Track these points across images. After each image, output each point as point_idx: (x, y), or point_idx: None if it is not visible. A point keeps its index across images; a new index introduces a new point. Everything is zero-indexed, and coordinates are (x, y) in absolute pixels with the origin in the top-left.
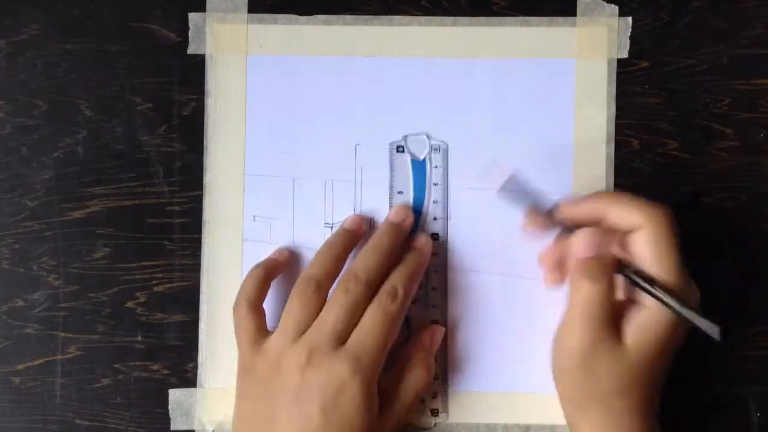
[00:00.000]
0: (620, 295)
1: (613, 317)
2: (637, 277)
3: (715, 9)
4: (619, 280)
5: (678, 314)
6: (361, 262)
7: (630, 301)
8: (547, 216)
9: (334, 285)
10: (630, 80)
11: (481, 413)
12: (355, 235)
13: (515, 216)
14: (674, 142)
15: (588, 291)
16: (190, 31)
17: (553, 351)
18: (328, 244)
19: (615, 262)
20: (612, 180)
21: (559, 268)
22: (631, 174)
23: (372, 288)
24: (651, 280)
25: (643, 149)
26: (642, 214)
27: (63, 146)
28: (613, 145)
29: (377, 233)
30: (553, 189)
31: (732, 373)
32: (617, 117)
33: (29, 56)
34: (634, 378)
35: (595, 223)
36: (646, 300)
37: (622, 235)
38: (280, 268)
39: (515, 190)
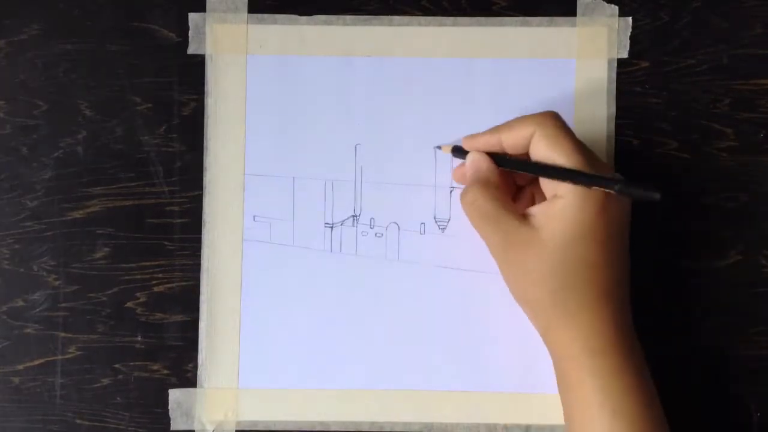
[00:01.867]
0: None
1: (517, 214)
2: (522, 166)
3: (715, 9)
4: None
5: (582, 183)
6: None
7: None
8: (458, 153)
9: None
10: (630, 80)
11: (481, 413)
12: None
13: None
14: (674, 142)
15: (470, 197)
16: (190, 31)
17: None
18: None
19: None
20: None
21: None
22: (631, 174)
23: None
24: (547, 167)
25: (643, 149)
26: (527, 123)
27: (63, 146)
28: (613, 145)
29: None
30: None
31: (732, 373)
32: (617, 117)
33: (29, 56)
34: (568, 268)
35: (502, 154)
36: (558, 192)
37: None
38: None
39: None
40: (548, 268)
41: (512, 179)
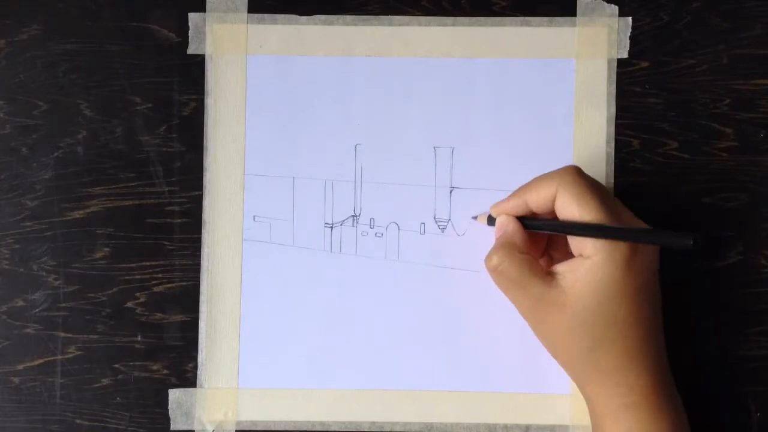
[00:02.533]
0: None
1: (542, 277)
2: (549, 226)
3: (715, 9)
4: (558, 250)
5: (611, 238)
6: None
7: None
8: (493, 222)
9: None
10: (630, 80)
11: (481, 413)
12: None
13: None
14: (674, 142)
15: (496, 261)
16: (190, 31)
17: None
18: None
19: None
20: (612, 180)
21: None
22: (631, 174)
23: None
24: (572, 225)
25: (643, 149)
26: (550, 181)
27: (63, 146)
28: (613, 145)
29: None
30: None
31: (732, 373)
32: (617, 117)
33: (29, 56)
34: (599, 328)
35: (530, 215)
36: (585, 252)
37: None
38: None
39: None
40: (579, 328)
41: (539, 238)
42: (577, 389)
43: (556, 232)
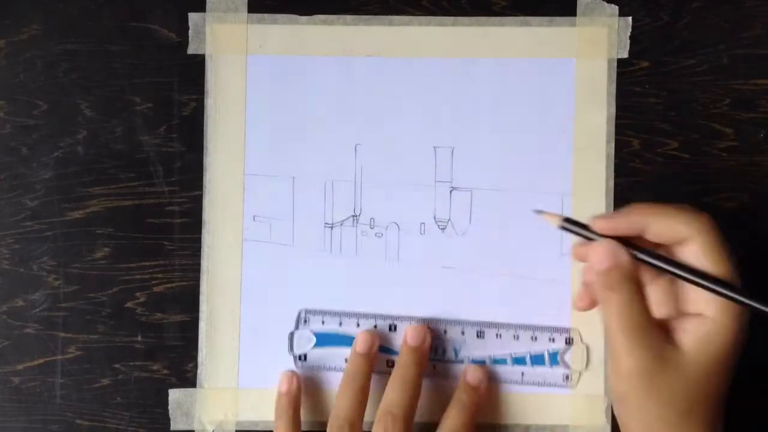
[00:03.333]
0: (663, 307)
1: (659, 327)
2: (686, 273)
3: (715, 9)
4: (659, 291)
5: (742, 303)
6: (393, 397)
7: (687, 314)
8: (583, 231)
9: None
10: (630, 80)
11: (482, 413)
12: (370, 356)
13: (516, 216)
14: (674, 142)
15: (616, 301)
16: (190, 31)
17: (611, 377)
18: (347, 377)
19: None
20: (612, 180)
21: (585, 289)
22: (631, 174)
23: (409, 422)
24: (704, 275)
25: (643, 149)
26: (688, 225)
27: (63, 146)
28: (613, 145)
29: (400, 362)
30: (553, 189)
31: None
32: (617, 117)
33: (29, 56)
34: (702, 394)
35: (635, 238)
36: (707, 310)
37: (666, 248)
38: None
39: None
40: (683, 391)
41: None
42: (577, 390)
43: (683, 276)
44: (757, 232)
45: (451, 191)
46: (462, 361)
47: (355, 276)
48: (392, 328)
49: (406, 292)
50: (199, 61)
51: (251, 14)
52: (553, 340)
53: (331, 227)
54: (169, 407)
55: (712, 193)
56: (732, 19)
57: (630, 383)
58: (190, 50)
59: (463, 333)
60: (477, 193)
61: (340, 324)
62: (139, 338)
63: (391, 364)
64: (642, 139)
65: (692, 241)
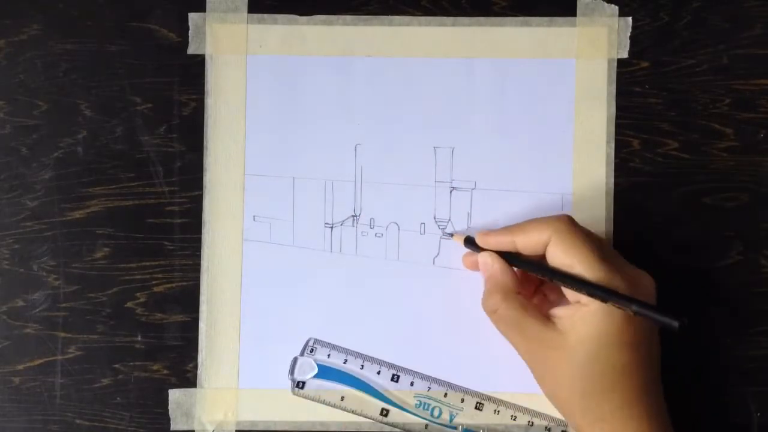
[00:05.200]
0: (556, 302)
1: (541, 318)
2: (538, 270)
3: (715, 9)
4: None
5: (598, 297)
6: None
7: (569, 304)
8: (470, 243)
9: None
10: (630, 80)
11: (482, 413)
12: None
13: (516, 216)
14: (674, 142)
15: (493, 303)
16: (190, 31)
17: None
18: None
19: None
20: (612, 180)
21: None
22: (631, 174)
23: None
24: (559, 274)
25: (643, 149)
26: (544, 231)
27: (63, 146)
28: (613, 145)
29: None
30: (553, 189)
31: (732, 373)
32: (617, 117)
33: (29, 56)
34: (597, 373)
35: (514, 253)
36: (582, 298)
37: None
38: None
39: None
40: (578, 373)
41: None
42: None
43: (546, 277)
44: (757, 232)
45: (451, 191)
46: (455, 428)
47: (355, 276)
48: (395, 378)
49: (406, 292)
50: (199, 61)
51: (251, 14)
52: (549, 429)
53: (331, 227)
54: (169, 407)
55: (712, 193)
56: (732, 19)
57: (527, 365)
58: (190, 50)
59: (462, 401)
60: (477, 193)
61: (345, 362)
62: (139, 338)
63: (385, 413)
64: (642, 139)
65: (551, 244)
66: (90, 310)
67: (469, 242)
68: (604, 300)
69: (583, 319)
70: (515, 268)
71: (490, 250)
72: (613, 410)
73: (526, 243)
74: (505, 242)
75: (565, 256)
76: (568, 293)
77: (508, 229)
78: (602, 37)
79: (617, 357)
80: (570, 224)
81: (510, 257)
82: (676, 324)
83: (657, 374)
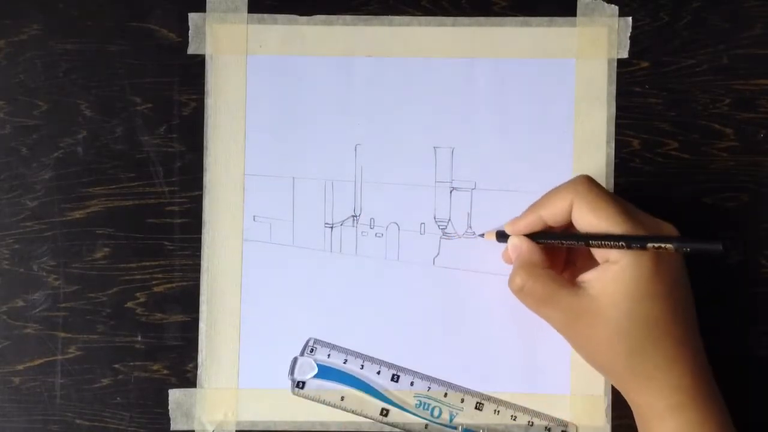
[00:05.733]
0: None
1: (571, 287)
2: (568, 239)
3: (715, 9)
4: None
5: (635, 247)
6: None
7: (598, 265)
8: (501, 237)
9: None
10: (630, 80)
11: (482, 413)
12: None
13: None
14: (674, 142)
15: (522, 283)
16: (190, 31)
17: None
18: None
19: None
20: (612, 180)
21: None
22: (631, 174)
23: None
24: (590, 236)
25: (643, 149)
26: (564, 194)
27: (63, 146)
28: (613, 145)
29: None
30: None
31: (732, 373)
32: (617, 117)
33: (29, 56)
34: (633, 331)
35: (546, 229)
36: (611, 256)
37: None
38: None
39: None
40: (616, 334)
41: (553, 250)
42: (577, 390)
43: (573, 244)
44: (757, 232)
45: (451, 191)
46: (455, 428)
47: (355, 276)
48: (395, 378)
49: (406, 292)
50: (199, 61)
51: (251, 14)
52: (549, 429)
53: (331, 227)
54: (169, 407)
55: (712, 193)
56: (732, 19)
57: (565, 337)
58: (190, 50)
59: (462, 401)
60: (477, 193)
61: (345, 362)
62: (139, 338)
63: (385, 413)
64: (642, 139)
65: (575, 207)
66: (90, 310)
67: (501, 236)
68: (642, 245)
69: (612, 279)
70: (546, 245)
71: (519, 236)
72: (656, 366)
73: (553, 214)
74: (533, 221)
75: (591, 216)
76: (597, 253)
77: (532, 207)
78: (602, 37)
79: (652, 310)
80: (589, 183)
81: (540, 237)
82: (719, 246)
83: (694, 325)
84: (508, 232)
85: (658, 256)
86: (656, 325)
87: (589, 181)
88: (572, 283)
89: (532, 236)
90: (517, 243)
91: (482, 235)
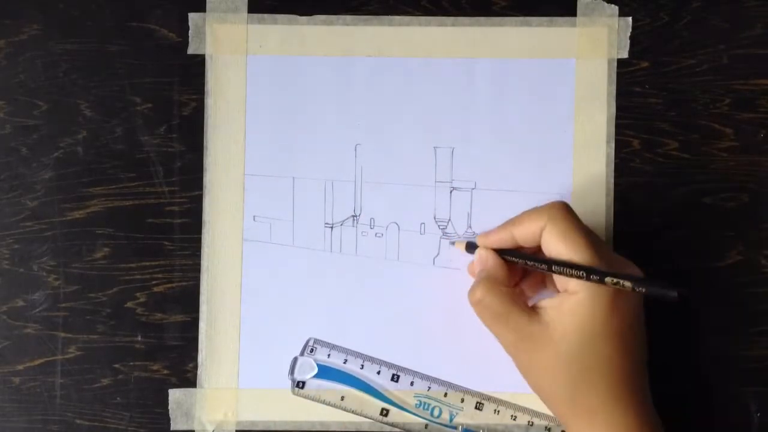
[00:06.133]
0: (541, 294)
1: (528, 311)
2: (533, 261)
3: (715, 9)
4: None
5: (594, 279)
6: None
7: (557, 295)
8: (471, 248)
9: None
10: (630, 80)
11: (481, 413)
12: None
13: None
14: (674, 142)
15: (480, 299)
16: (190, 31)
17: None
18: None
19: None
20: (612, 180)
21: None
22: (631, 174)
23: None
24: (553, 262)
25: (643, 149)
26: (538, 216)
27: (63, 146)
28: (613, 145)
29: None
30: (554, 189)
31: (732, 373)
32: (617, 117)
33: (29, 56)
34: (585, 365)
35: (516, 248)
36: (569, 287)
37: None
38: None
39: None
40: (564, 366)
41: (517, 269)
42: None
43: (540, 268)
44: (757, 232)
45: (451, 191)
46: (455, 428)
47: (355, 276)
48: (395, 378)
49: (406, 292)
50: (199, 61)
51: (251, 14)
52: (549, 429)
53: (331, 227)
54: (169, 407)
55: (712, 193)
56: (732, 19)
57: (512, 359)
58: (190, 50)
59: (462, 401)
60: (477, 193)
61: (345, 362)
62: (139, 338)
63: (385, 413)
64: (642, 139)
65: (545, 231)
66: (90, 310)
67: (470, 247)
68: (601, 278)
69: (568, 310)
70: (513, 263)
71: (487, 249)
72: (600, 402)
73: (524, 234)
74: (505, 238)
75: (559, 243)
76: (558, 281)
77: (506, 224)
78: (602, 37)
79: (603, 348)
80: (564, 210)
81: (506, 253)
82: (674, 293)
83: (643, 365)
84: (478, 243)
85: (615, 294)
86: (604, 362)
87: (564, 208)
88: (528, 306)
89: (500, 252)
90: (484, 255)
91: (453, 244)
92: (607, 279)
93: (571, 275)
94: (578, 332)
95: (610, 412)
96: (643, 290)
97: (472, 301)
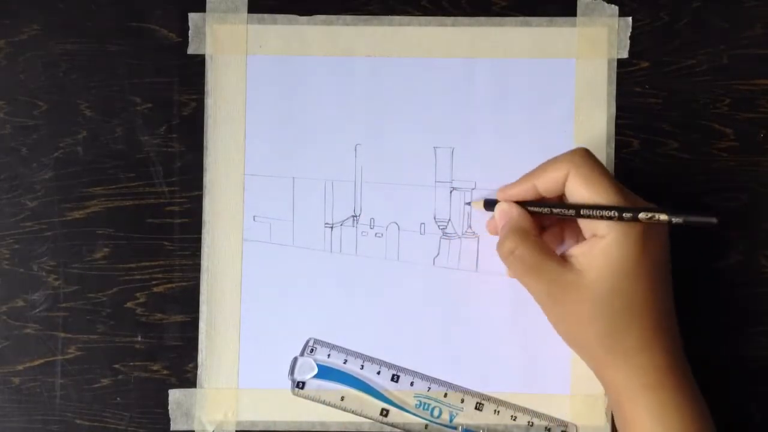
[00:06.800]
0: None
1: (558, 260)
2: (559, 208)
3: (715, 9)
4: (563, 230)
5: (627, 217)
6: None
7: (585, 240)
8: (489, 206)
9: None
10: (630, 80)
11: (482, 413)
12: None
13: None
14: (674, 142)
15: (510, 249)
16: (190, 31)
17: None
18: None
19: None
20: None
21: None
22: (631, 174)
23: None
24: (581, 206)
25: (643, 149)
26: (560, 164)
27: (63, 146)
28: (613, 145)
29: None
30: None
31: (732, 373)
32: (617, 117)
33: (29, 56)
34: (617, 308)
35: (539, 199)
36: (599, 231)
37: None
38: None
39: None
40: (598, 311)
41: (539, 221)
42: (576, 390)
43: (566, 214)
44: (757, 232)
45: (451, 191)
46: (455, 428)
47: (355, 276)
48: (395, 378)
49: (406, 292)
50: (199, 61)
51: (251, 14)
52: (549, 430)
53: (331, 227)
54: (169, 407)
55: (712, 193)
56: (732, 19)
57: (543, 310)
58: (190, 50)
59: (462, 401)
60: (477, 193)
61: (345, 362)
62: (139, 338)
63: (385, 413)
64: (642, 139)
65: (570, 178)
66: (90, 310)
67: (489, 204)
68: (634, 215)
69: (599, 253)
70: (538, 214)
71: (509, 202)
72: (633, 345)
73: (546, 183)
74: (526, 189)
75: (584, 188)
76: (585, 227)
77: (526, 176)
78: (602, 37)
79: (635, 290)
80: (587, 156)
81: (530, 204)
82: (714, 219)
83: (672, 307)
84: (498, 198)
85: (645, 234)
86: (637, 304)
87: (586, 153)
88: (560, 256)
89: (522, 204)
90: (506, 209)
91: (468, 203)
92: (641, 215)
93: (602, 217)
94: (612, 275)
95: (643, 354)
96: (681, 220)
97: (503, 254)
